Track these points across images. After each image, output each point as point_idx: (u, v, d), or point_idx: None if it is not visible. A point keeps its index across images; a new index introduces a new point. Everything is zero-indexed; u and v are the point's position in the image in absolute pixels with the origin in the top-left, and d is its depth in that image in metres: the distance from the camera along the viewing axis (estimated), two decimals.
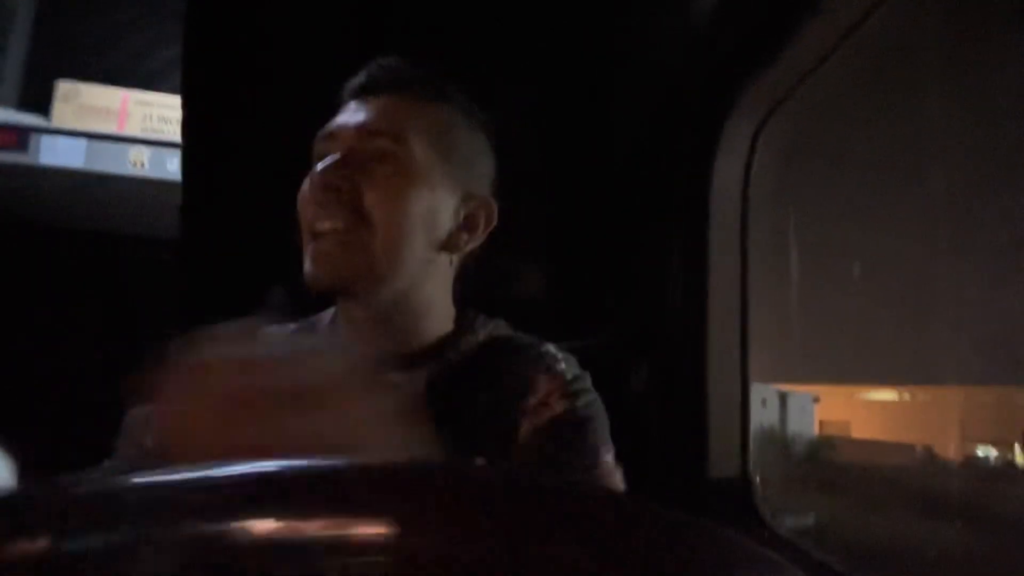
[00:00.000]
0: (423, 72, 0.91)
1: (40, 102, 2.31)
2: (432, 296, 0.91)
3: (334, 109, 0.93)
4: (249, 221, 1.38)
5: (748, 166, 1.30)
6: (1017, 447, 1.24)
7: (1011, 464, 1.24)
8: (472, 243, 0.91)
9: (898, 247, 1.17)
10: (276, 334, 0.96)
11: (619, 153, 1.50)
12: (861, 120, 1.21)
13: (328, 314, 0.97)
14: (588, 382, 0.93)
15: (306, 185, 0.86)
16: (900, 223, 1.16)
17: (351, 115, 0.88)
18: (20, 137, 2.20)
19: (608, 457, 0.89)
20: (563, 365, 0.92)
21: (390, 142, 0.85)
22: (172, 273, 1.56)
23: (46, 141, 2.22)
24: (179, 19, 1.38)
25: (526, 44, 1.38)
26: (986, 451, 1.24)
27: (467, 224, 0.90)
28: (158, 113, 2.35)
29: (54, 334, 2.04)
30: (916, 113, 1.08)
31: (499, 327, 0.98)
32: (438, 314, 0.93)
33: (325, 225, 0.83)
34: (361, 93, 0.90)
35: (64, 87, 2.31)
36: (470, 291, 0.97)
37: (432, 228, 0.87)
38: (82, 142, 2.25)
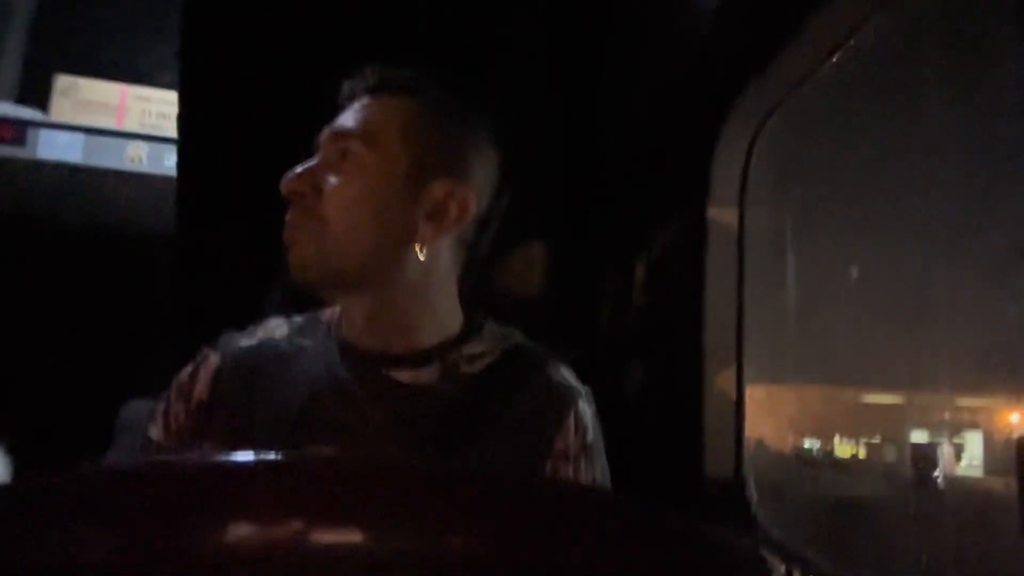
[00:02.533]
0: (395, 71, 0.93)
1: (38, 97, 2.31)
2: (426, 291, 0.92)
3: (330, 105, 0.94)
4: (245, 217, 1.38)
5: (745, 170, 1.30)
6: (836, 439, 1.37)
7: (830, 454, 1.38)
8: (443, 232, 0.91)
9: (894, 251, 1.17)
10: (280, 330, 0.97)
11: (616, 156, 1.51)
12: (857, 125, 1.21)
13: (336, 310, 0.97)
14: (596, 418, 0.95)
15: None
16: (896, 227, 1.16)
17: (334, 123, 0.93)
18: (18, 131, 2.20)
19: None
20: (585, 405, 0.94)
21: (355, 142, 0.89)
22: (169, 269, 1.56)
23: (44, 136, 2.22)
24: (177, 14, 1.38)
25: (525, 47, 1.38)
26: (811, 443, 1.39)
27: (434, 214, 0.90)
28: (157, 109, 2.35)
29: (51, 329, 2.04)
30: (913, 118, 1.08)
31: (513, 336, 0.98)
32: (440, 310, 0.94)
33: (291, 234, 0.88)
34: (347, 100, 0.94)
35: (63, 82, 2.30)
36: (479, 293, 0.97)
37: (389, 220, 0.88)
38: (80, 137, 2.25)
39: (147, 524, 0.36)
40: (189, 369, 0.94)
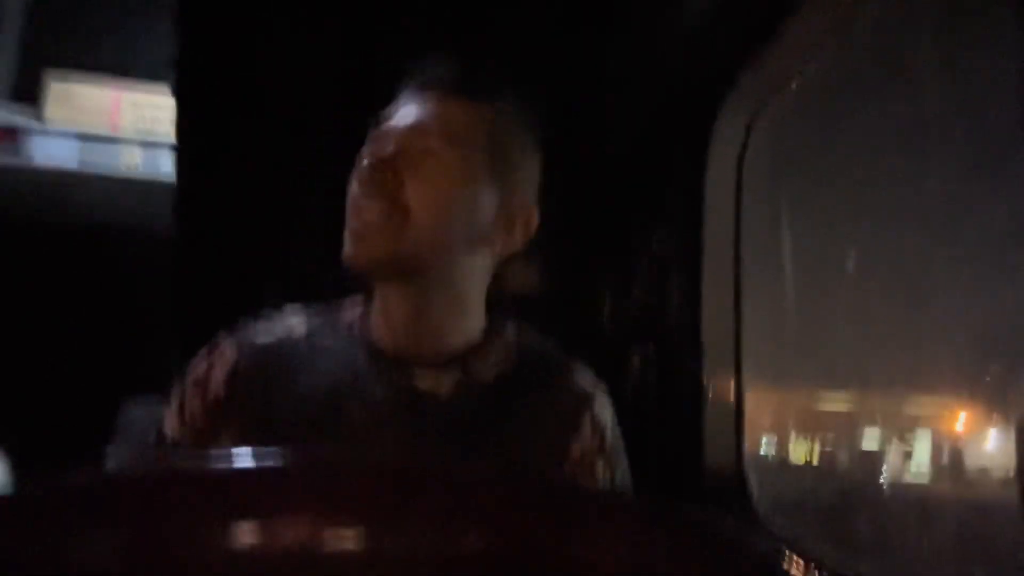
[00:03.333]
0: (478, 73, 0.92)
1: (32, 101, 2.30)
2: (468, 295, 0.92)
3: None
4: (242, 219, 1.37)
5: (742, 157, 1.30)
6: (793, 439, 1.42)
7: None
8: (509, 246, 0.91)
9: (891, 241, 1.17)
10: (299, 328, 0.95)
11: (613, 145, 1.51)
12: (852, 112, 1.21)
13: (355, 307, 0.95)
14: (614, 419, 0.95)
15: (354, 182, 0.88)
16: (893, 216, 1.16)
17: (404, 114, 0.90)
18: (11, 137, 2.19)
19: None
20: (604, 406, 0.94)
21: (438, 142, 0.87)
22: (166, 273, 1.55)
23: (38, 141, 2.22)
24: (171, 17, 1.37)
25: (520, 40, 1.38)
26: (769, 442, 1.43)
27: (506, 226, 0.90)
28: (151, 113, 2.34)
29: (48, 333, 2.03)
30: (910, 105, 1.08)
31: (528, 334, 0.98)
32: (472, 314, 0.93)
33: (367, 216, 0.85)
34: (416, 91, 0.91)
35: (56, 86, 2.30)
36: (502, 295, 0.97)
37: (470, 225, 0.88)
38: (74, 142, 2.24)
39: (154, 529, 0.36)
40: (203, 363, 0.92)
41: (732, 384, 1.29)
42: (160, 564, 0.36)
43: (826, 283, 1.31)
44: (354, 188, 0.87)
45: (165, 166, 2.21)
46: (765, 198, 1.35)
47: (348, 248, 0.86)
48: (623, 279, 1.48)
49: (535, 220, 0.92)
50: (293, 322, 0.96)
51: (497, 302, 0.97)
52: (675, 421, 1.34)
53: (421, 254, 0.86)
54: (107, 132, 2.31)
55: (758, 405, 1.35)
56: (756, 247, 1.33)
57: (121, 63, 2.42)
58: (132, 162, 2.30)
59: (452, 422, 0.87)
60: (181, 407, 0.91)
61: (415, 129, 0.88)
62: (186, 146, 1.48)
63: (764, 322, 1.34)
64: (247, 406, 0.88)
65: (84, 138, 2.27)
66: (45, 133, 2.25)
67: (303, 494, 0.38)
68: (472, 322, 0.93)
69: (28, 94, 2.32)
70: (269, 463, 0.41)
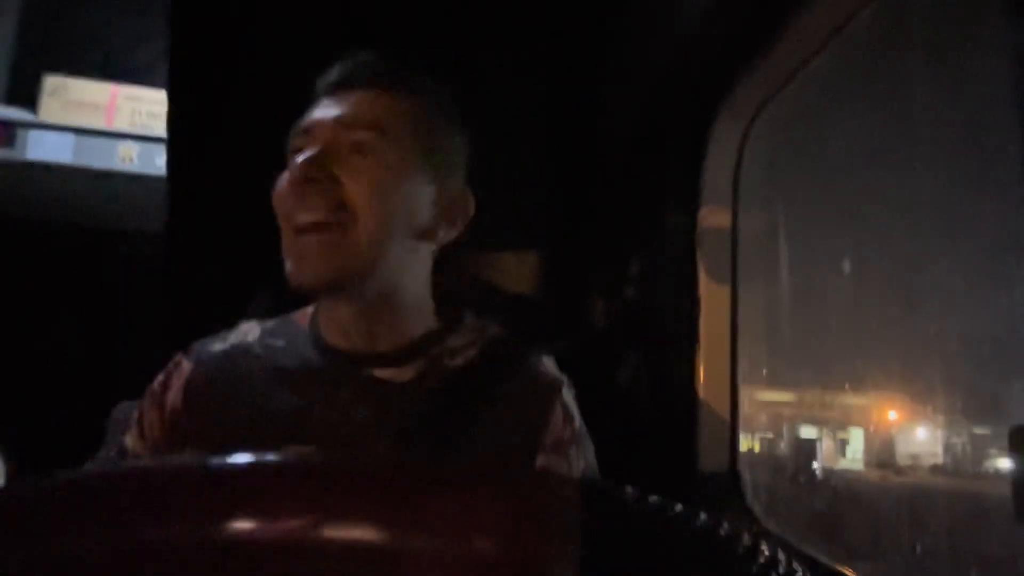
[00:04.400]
0: (397, 66, 0.91)
1: (27, 97, 2.30)
2: (413, 289, 0.91)
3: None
4: (235, 216, 1.37)
5: (738, 163, 1.30)
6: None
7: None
8: (450, 234, 0.91)
9: (885, 246, 1.18)
10: (252, 333, 0.95)
11: (610, 150, 1.51)
12: (848, 118, 1.22)
13: (308, 311, 0.95)
14: (576, 405, 0.95)
15: (283, 180, 0.85)
16: (887, 221, 1.17)
17: (327, 109, 0.88)
18: (7, 132, 2.19)
19: None
20: (569, 393, 0.94)
21: (369, 134, 0.85)
22: (160, 268, 1.55)
23: (33, 136, 2.21)
24: (166, 13, 1.37)
25: (518, 42, 1.38)
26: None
27: (446, 215, 0.90)
28: (147, 108, 2.34)
29: (42, 329, 2.03)
30: (903, 112, 1.09)
31: (491, 328, 0.97)
32: (420, 308, 0.93)
33: (306, 218, 0.82)
34: (336, 88, 0.90)
35: (52, 81, 2.29)
36: (461, 286, 0.97)
37: (412, 219, 0.87)
38: (70, 137, 2.24)
39: (148, 525, 0.36)
40: (161, 377, 0.92)
41: (727, 384, 1.30)
42: (153, 558, 0.36)
43: (821, 286, 1.31)
44: (286, 193, 0.84)
45: (160, 161, 2.21)
46: (761, 201, 1.36)
47: (294, 268, 0.83)
48: (619, 279, 1.48)
49: (471, 205, 0.92)
50: (247, 328, 0.95)
51: (454, 290, 0.97)
52: (669, 420, 1.35)
53: (368, 256, 0.83)
54: (103, 127, 2.30)
55: (752, 406, 1.35)
56: (752, 249, 1.33)
57: (116, 64, 2.42)
58: (127, 157, 2.30)
59: (418, 407, 0.86)
60: (140, 421, 0.91)
61: (342, 123, 0.86)
62: (178, 143, 1.48)
63: (759, 324, 1.35)
64: (205, 413, 0.87)
65: (80, 133, 2.27)
66: (41, 127, 2.25)
67: (296, 488, 0.38)
68: (424, 312, 0.93)
69: (24, 95, 2.31)
70: (262, 460, 0.41)
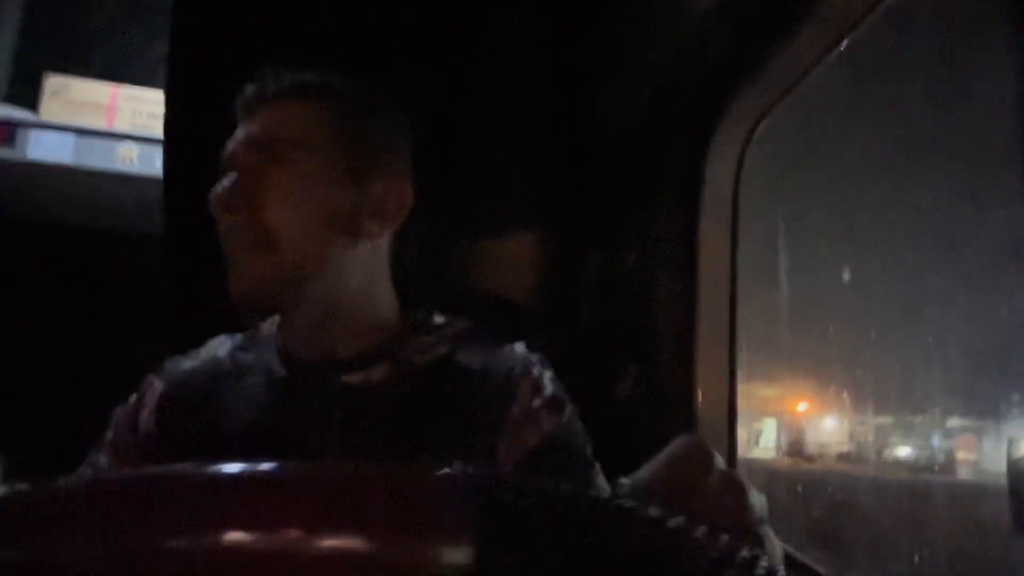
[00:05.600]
0: (302, 74, 0.91)
1: (28, 97, 2.29)
2: (364, 292, 0.91)
3: None
4: None
5: (739, 170, 1.30)
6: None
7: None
8: (386, 228, 0.91)
9: (886, 254, 1.18)
10: (223, 348, 0.95)
11: (611, 155, 1.51)
12: (849, 128, 1.22)
13: (276, 321, 0.95)
14: (562, 389, 0.93)
15: (215, 213, 0.87)
16: (888, 230, 1.17)
17: (240, 131, 0.90)
18: (8, 132, 2.19)
19: (597, 470, 0.89)
20: (540, 368, 0.92)
21: (281, 148, 0.86)
22: (160, 270, 1.55)
23: (34, 136, 2.21)
24: (168, 14, 1.37)
25: (519, 48, 1.38)
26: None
27: (375, 211, 0.89)
28: (148, 109, 2.34)
29: (43, 330, 2.03)
30: (906, 122, 1.09)
31: (461, 324, 0.96)
32: (379, 308, 0.92)
33: (235, 246, 0.85)
34: (248, 109, 0.91)
35: (53, 82, 2.29)
36: (447, 291, 0.97)
37: (338, 223, 0.87)
38: (71, 137, 2.24)
39: (138, 534, 0.36)
40: (134, 398, 0.93)
41: (726, 391, 1.29)
42: (144, 566, 0.36)
43: (821, 293, 1.32)
44: (218, 219, 0.86)
45: (160, 162, 2.21)
46: (762, 210, 1.36)
47: (233, 288, 0.85)
48: (619, 286, 1.48)
49: (408, 195, 0.92)
50: (217, 343, 0.96)
51: (420, 289, 0.97)
52: (667, 426, 1.34)
53: (296, 268, 0.84)
54: (103, 127, 2.30)
55: (751, 412, 1.35)
56: (752, 257, 1.33)
57: (117, 65, 2.42)
58: (128, 158, 2.30)
59: (388, 408, 0.86)
60: (114, 442, 0.91)
61: (253, 144, 0.87)
62: (175, 146, 1.47)
63: (759, 331, 1.35)
64: (178, 431, 0.88)
65: (80, 133, 2.26)
66: (41, 127, 2.24)
67: (289, 497, 0.38)
68: (386, 315, 0.93)
69: (24, 97, 2.31)
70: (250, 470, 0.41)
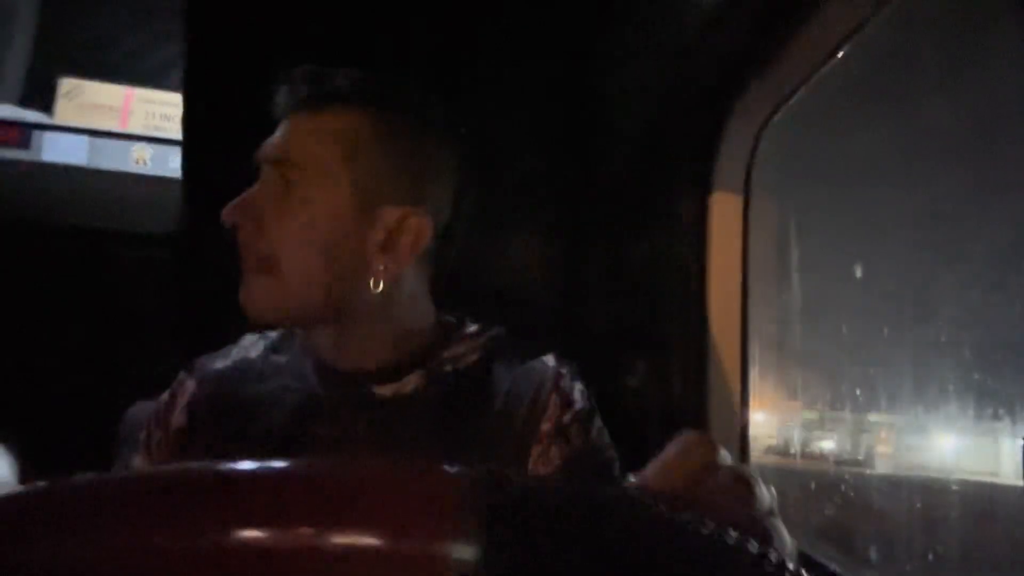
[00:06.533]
0: (335, 77, 0.86)
1: (43, 99, 2.31)
2: (389, 312, 0.87)
3: None
4: None
5: (749, 166, 1.30)
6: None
7: None
8: (400, 264, 0.85)
9: (897, 252, 1.18)
10: (255, 348, 0.95)
11: (620, 152, 1.50)
12: (858, 125, 1.22)
13: None
14: (591, 400, 0.92)
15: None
16: (898, 227, 1.17)
17: (271, 138, 0.87)
18: (23, 134, 2.20)
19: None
20: (570, 382, 0.92)
21: (293, 171, 0.83)
22: (174, 271, 1.56)
23: (49, 138, 2.22)
24: (181, 16, 1.38)
25: (527, 44, 1.38)
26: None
27: (388, 245, 0.84)
28: (161, 111, 2.35)
29: (56, 332, 2.04)
30: (916, 119, 1.09)
31: (496, 333, 0.96)
32: (409, 325, 0.90)
33: (242, 262, 0.85)
34: (281, 113, 0.88)
35: (67, 84, 2.31)
36: (462, 290, 0.96)
37: (339, 257, 0.82)
38: (84, 139, 2.25)
39: (151, 531, 0.36)
40: (166, 396, 0.93)
41: (737, 392, 1.29)
42: (156, 563, 0.36)
43: (832, 292, 1.31)
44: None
45: (173, 163, 2.22)
46: (772, 207, 1.35)
47: (241, 302, 0.84)
48: (628, 285, 1.48)
49: (427, 228, 0.85)
50: (249, 342, 0.96)
51: (453, 298, 0.95)
52: (678, 422, 1.34)
53: (302, 300, 0.82)
54: (117, 129, 2.32)
55: (762, 412, 1.35)
56: (762, 255, 1.33)
57: (131, 70, 2.43)
58: (141, 159, 2.31)
59: (417, 420, 0.85)
60: (148, 441, 0.91)
61: (270, 160, 0.84)
62: (193, 145, 1.48)
63: (769, 330, 1.34)
64: (208, 431, 0.88)
65: (94, 135, 2.28)
66: (55, 129, 2.26)
67: (300, 495, 0.38)
68: (416, 329, 0.90)
69: (39, 99, 2.33)
70: (266, 466, 0.41)
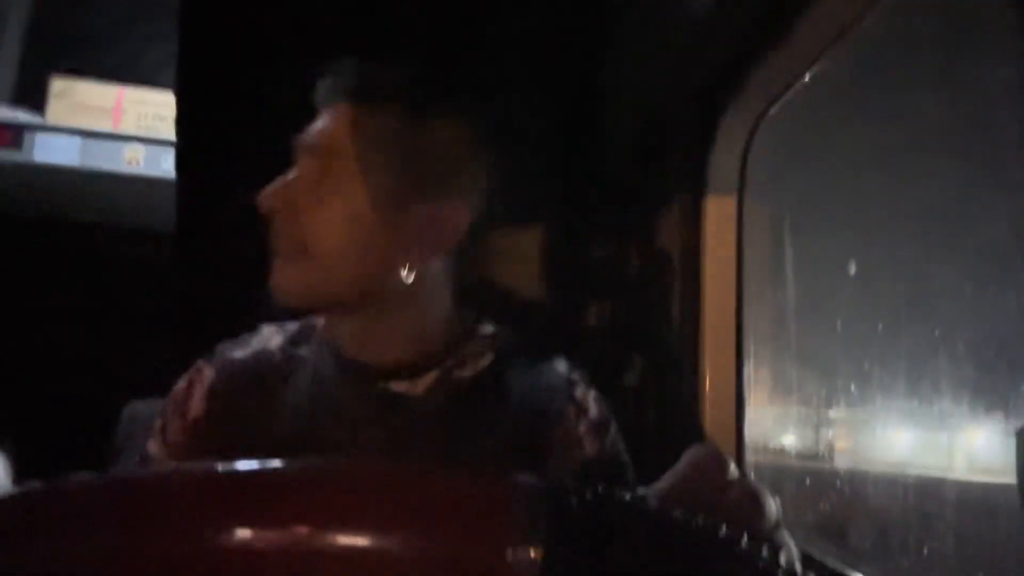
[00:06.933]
0: (376, 72, 0.88)
1: (35, 99, 2.30)
2: (416, 306, 0.88)
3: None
4: (244, 219, 1.37)
5: (744, 161, 1.30)
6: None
7: None
8: (432, 257, 0.87)
9: (893, 247, 1.18)
10: (275, 339, 0.95)
11: (614, 150, 1.51)
12: (854, 119, 1.22)
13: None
14: (606, 407, 0.93)
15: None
16: (894, 222, 1.17)
17: (311, 128, 0.88)
18: (14, 134, 2.19)
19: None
20: (584, 390, 0.93)
21: (330, 159, 0.84)
22: (167, 271, 1.55)
23: (40, 138, 2.22)
24: (174, 16, 1.37)
25: (520, 39, 1.38)
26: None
27: (421, 239, 0.85)
28: (153, 111, 2.34)
29: (49, 333, 2.04)
30: (912, 113, 1.09)
31: (506, 335, 0.96)
32: (433, 322, 0.91)
33: (275, 247, 0.85)
34: (322, 103, 0.89)
35: (59, 84, 2.30)
36: (472, 290, 0.96)
37: (373, 247, 0.84)
38: (77, 140, 2.24)
39: (155, 531, 0.36)
40: (184, 384, 0.92)
41: (733, 390, 1.29)
42: (155, 563, 0.36)
43: (827, 288, 1.32)
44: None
45: (166, 164, 2.21)
46: (767, 202, 1.35)
47: (273, 287, 0.85)
48: (623, 282, 1.48)
49: (462, 222, 0.87)
50: (269, 333, 0.95)
51: (471, 300, 0.96)
52: (675, 420, 1.34)
53: (332, 286, 0.84)
54: (109, 129, 2.31)
55: (758, 410, 1.35)
56: (757, 252, 1.33)
57: (122, 67, 2.42)
58: (134, 159, 2.30)
59: (430, 419, 0.86)
60: (163, 428, 0.91)
61: (307, 148, 0.86)
62: (187, 145, 1.48)
63: (765, 327, 1.34)
64: (225, 421, 0.87)
65: (86, 135, 2.27)
66: (47, 130, 2.25)
67: (298, 495, 0.38)
68: (438, 326, 0.91)
69: (31, 99, 2.32)
70: (270, 467, 0.41)
